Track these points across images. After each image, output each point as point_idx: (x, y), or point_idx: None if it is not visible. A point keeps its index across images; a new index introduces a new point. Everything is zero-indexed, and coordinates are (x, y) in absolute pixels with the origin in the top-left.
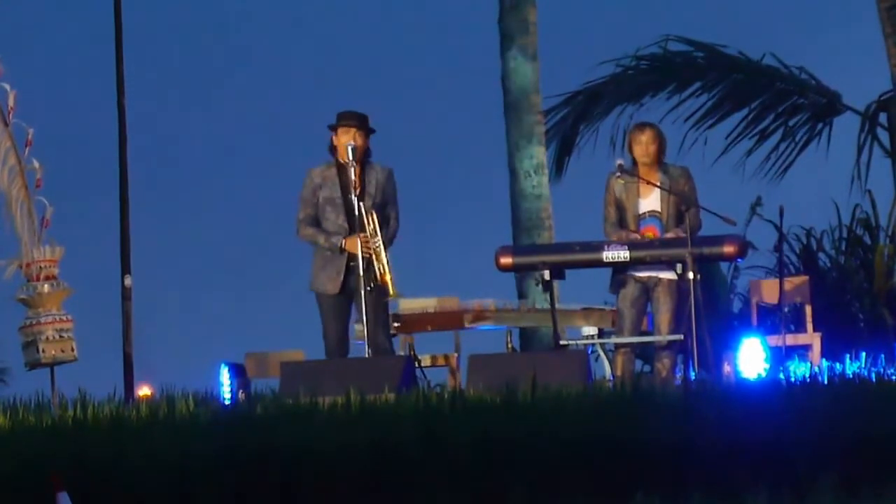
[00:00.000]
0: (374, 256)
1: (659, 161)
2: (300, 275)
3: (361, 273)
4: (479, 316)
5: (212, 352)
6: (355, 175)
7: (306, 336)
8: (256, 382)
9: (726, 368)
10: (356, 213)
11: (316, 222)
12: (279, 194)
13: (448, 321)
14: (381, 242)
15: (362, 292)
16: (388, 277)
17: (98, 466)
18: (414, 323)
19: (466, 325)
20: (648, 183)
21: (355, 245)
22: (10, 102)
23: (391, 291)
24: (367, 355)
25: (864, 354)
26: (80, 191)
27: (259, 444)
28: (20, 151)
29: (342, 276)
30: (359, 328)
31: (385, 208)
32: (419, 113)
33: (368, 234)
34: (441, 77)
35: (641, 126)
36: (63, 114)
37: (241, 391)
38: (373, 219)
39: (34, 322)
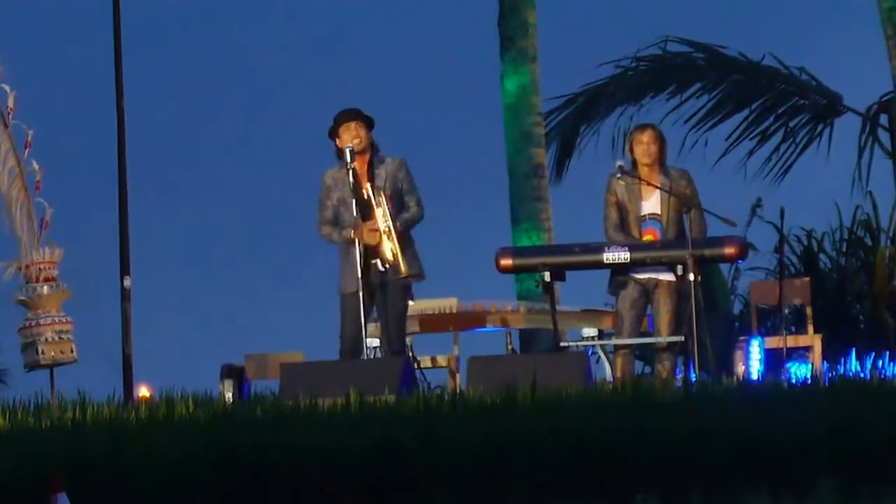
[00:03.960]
0: (384, 236)
1: (660, 162)
2: (300, 276)
3: (382, 268)
4: (479, 318)
5: (211, 353)
6: (360, 172)
7: (306, 337)
8: (256, 384)
9: (740, 368)
10: (365, 198)
11: (335, 223)
12: (279, 195)
13: (448, 323)
14: (390, 224)
15: (359, 281)
16: (399, 258)
17: (97, 468)
18: (413, 324)
19: (467, 326)
20: (649, 185)
21: (363, 233)
22: (10, 104)
23: (402, 270)
24: (381, 354)
25: (864, 356)
26: (79, 192)
27: (259, 446)
28: (20, 153)
29: (360, 273)
30: (373, 327)
31: (400, 199)
32: (419, 114)
33: (379, 216)
34: (441, 78)
35: (642, 126)
36: (63, 115)
37: (228, 393)
38: (382, 200)
39: (33, 323)
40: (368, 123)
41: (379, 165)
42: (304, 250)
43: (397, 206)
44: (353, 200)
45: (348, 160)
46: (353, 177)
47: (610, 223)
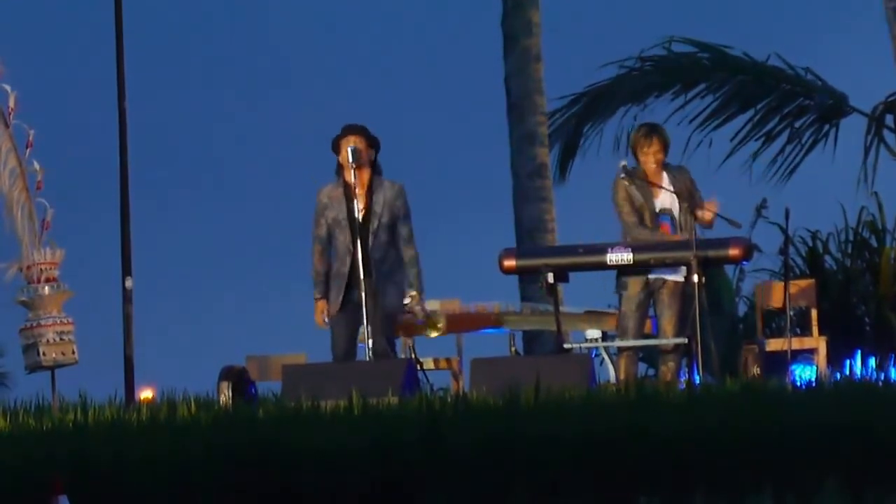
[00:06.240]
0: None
1: (663, 162)
2: (302, 277)
3: (363, 286)
4: (482, 319)
5: (213, 354)
6: (359, 183)
7: (308, 339)
8: (258, 386)
9: (754, 371)
10: (359, 234)
11: (328, 241)
12: (281, 197)
13: (450, 324)
14: (419, 304)
15: (363, 299)
16: (437, 323)
17: (99, 470)
18: (415, 325)
19: (470, 328)
20: (660, 187)
21: (316, 316)
22: (11, 104)
23: (439, 329)
24: (368, 359)
25: (869, 358)
26: (80, 193)
27: (261, 448)
28: (21, 153)
29: (342, 294)
30: (361, 331)
31: (395, 226)
32: (422, 114)
33: (412, 301)
34: (444, 78)
35: (648, 136)
36: (64, 115)
37: (223, 395)
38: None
39: (35, 324)
40: (371, 142)
41: (378, 189)
42: (307, 250)
43: (391, 233)
44: (348, 222)
45: (351, 161)
46: (352, 179)
47: (631, 223)
